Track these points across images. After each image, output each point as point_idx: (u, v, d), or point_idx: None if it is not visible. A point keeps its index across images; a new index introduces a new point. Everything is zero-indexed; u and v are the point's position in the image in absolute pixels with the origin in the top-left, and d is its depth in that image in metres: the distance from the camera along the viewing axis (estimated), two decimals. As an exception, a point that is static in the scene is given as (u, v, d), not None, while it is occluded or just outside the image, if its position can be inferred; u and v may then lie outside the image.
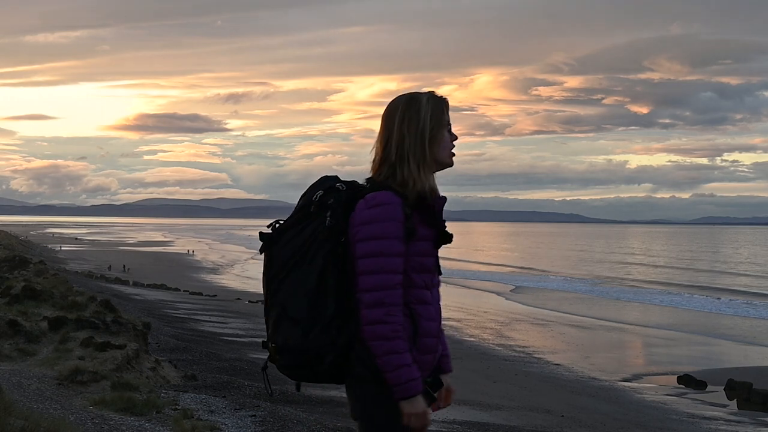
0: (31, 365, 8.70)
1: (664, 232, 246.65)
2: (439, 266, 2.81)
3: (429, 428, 2.80)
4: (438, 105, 2.78)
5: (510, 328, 23.99)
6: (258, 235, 2.74)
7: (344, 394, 2.80)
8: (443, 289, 2.87)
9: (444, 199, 2.78)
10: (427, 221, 2.69)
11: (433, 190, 2.75)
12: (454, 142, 2.81)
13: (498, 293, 36.10)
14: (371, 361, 2.62)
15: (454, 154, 2.81)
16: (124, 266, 45.64)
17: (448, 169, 2.86)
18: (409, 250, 2.64)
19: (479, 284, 34.69)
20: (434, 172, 2.77)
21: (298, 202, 2.74)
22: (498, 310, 29.88)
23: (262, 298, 2.78)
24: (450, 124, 2.80)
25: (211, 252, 74.77)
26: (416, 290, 2.69)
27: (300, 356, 2.66)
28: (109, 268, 44.46)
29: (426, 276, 2.72)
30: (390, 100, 2.80)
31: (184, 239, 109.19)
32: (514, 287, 35.28)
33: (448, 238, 2.76)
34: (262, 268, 2.74)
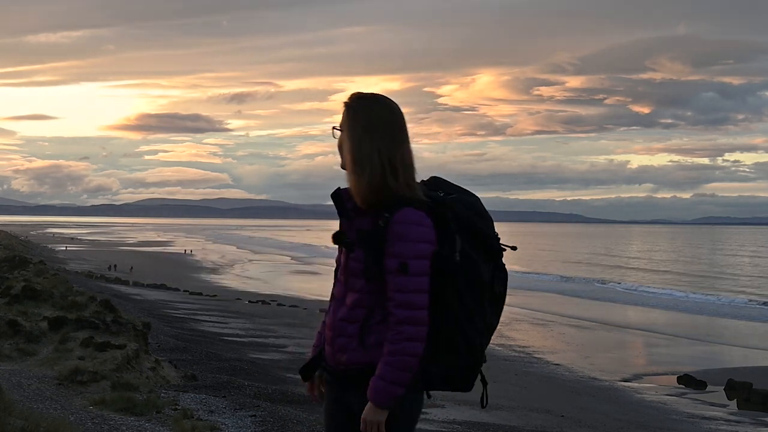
0: (31, 365, 8.69)
1: (665, 232, 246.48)
2: (354, 267, 2.62)
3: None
4: None
5: (510, 328, 23.97)
6: None
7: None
8: None
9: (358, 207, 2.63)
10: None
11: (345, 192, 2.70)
12: (339, 148, 2.74)
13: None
14: None
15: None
16: (113, 266, 45.58)
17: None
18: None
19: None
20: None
21: None
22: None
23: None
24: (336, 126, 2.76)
25: (210, 252, 74.76)
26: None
27: None
28: (114, 267, 44.47)
29: (338, 276, 2.73)
30: (392, 100, 2.75)
31: (182, 239, 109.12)
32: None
33: (337, 239, 2.67)
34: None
